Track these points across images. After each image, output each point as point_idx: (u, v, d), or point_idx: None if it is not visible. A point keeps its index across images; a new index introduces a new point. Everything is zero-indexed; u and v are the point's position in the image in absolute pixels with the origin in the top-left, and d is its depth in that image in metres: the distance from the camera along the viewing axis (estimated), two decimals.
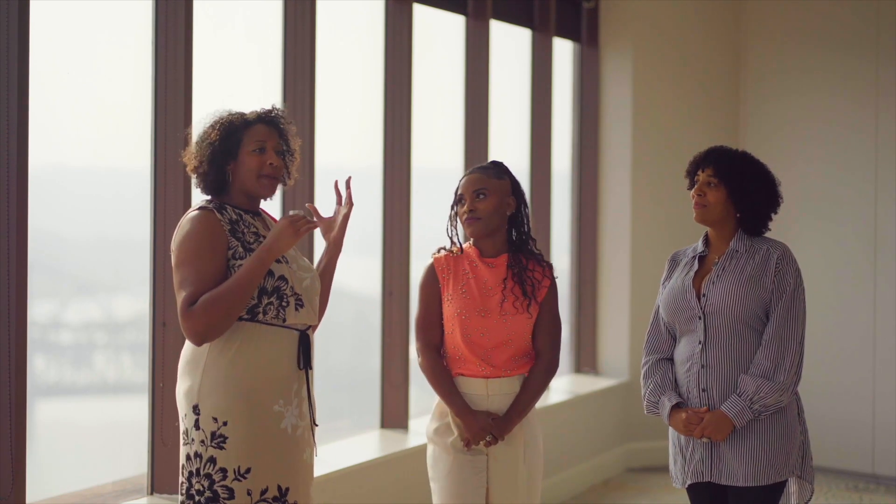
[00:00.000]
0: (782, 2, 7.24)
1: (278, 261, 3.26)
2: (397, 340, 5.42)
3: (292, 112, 4.82)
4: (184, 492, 3.23)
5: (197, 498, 3.20)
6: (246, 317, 3.22)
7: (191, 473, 3.22)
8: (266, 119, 3.34)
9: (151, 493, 4.19)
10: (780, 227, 3.75)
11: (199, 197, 3.37)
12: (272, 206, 4.73)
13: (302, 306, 3.29)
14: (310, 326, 3.33)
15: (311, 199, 4.84)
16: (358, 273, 5.70)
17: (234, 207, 3.31)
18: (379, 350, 5.48)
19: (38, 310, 3.98)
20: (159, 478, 4.19)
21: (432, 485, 3.74)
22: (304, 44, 4.84)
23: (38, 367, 4.07)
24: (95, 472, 4.25)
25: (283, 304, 3.25)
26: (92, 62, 4.21)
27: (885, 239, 6.80)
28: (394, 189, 5.49)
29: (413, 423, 5.47)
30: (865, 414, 6.82)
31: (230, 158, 3.29)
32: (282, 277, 3.25)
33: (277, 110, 3.38)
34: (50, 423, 4.18)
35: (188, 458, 3.23)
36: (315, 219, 3.50)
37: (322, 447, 5.00)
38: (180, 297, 3.19)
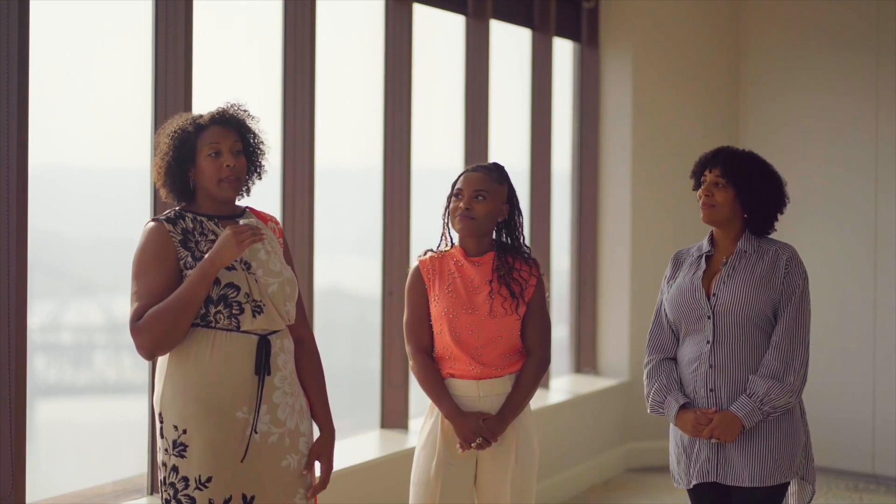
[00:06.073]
0: (782, 1, 7.24)
1: (230, 268, 3.17)
2: (397, 340, 5.41)
3: (292, 112, 4.82)
4: (161, 499, 3.23)
5: None
6: (201, 323, 3.16)
7: (161, 481, 3.22)
8: (220, 120, 3.24)
9: (151, 493, 4.19)
10: (779, 226, 3.74)
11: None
12: (272, 206, 4.73)
13: (261, 312, 3.20)
14: (273, 332, 3.24)
15: (311, 199, 4.84)
16: (358, 273, 5.69)
17: (196, 215, 3.23)
18: (379, 350, 5.47)
19: (38, 310, 3.98)
20: (159, 478, 4.18)
21: (411, 488, 3.70)
22: (304, 44, 4.83)
23: (38, 367, 4.07)
24: (95, 472, 4.25)
25: (235, 311, 3.17)
26: (92, 62, 4.21)
27: (886, 238, 6.79)
28: (394, 189, 5.49)
29: (413, 423, 5.47)
30: (865, 414, 6.81)
31: (190, 165, 3.23)
32: (230, 285, 3.16)
33: (234, 107, 3.29)
34: (50, 423, 4.18)
35: (161, 465, 3.23)
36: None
37: None
38: (130, 311, 3.16)
